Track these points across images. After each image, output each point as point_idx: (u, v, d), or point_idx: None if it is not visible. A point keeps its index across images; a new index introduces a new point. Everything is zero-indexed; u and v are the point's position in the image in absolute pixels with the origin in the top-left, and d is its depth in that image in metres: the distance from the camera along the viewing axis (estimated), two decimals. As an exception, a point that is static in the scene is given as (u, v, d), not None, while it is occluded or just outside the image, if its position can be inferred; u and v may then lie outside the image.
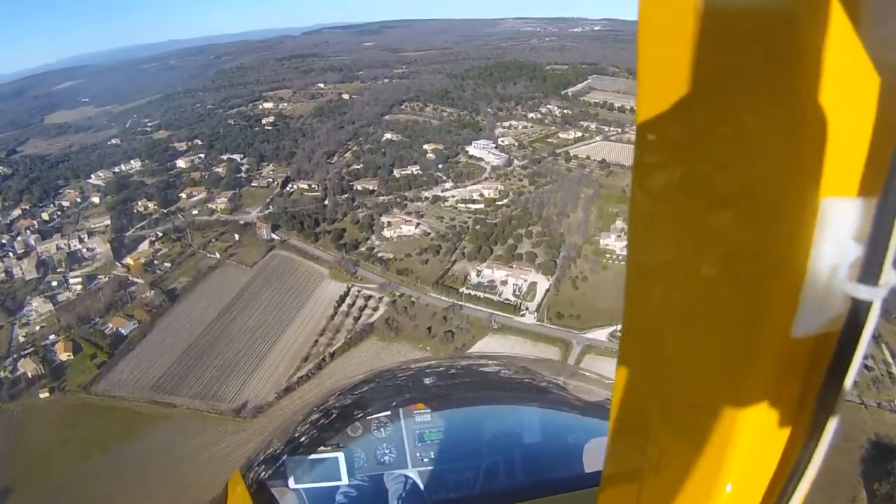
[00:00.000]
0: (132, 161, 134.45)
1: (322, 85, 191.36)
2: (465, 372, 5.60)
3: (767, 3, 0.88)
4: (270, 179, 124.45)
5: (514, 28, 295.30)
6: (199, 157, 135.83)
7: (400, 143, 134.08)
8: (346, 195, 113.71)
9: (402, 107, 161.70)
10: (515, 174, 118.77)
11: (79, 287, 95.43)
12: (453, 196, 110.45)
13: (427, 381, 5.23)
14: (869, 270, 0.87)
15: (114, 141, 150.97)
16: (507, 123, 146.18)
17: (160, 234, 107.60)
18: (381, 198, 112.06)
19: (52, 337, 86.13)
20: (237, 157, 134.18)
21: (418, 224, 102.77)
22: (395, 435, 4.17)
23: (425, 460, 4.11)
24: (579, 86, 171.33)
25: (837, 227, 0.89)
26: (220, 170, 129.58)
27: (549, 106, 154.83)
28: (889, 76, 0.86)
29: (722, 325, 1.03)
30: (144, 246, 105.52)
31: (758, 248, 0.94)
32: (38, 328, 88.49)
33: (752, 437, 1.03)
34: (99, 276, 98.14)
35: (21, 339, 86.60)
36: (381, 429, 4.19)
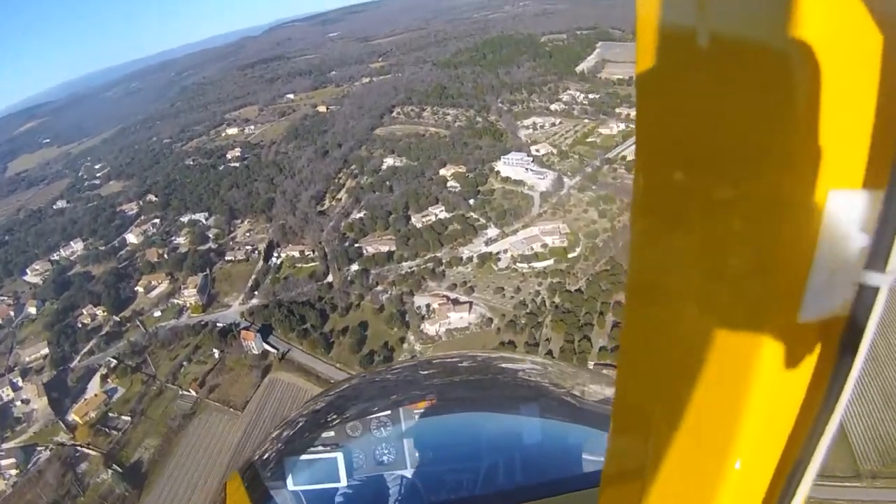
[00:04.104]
0: (73, 243, 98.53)
1: (292, 95, 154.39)
2: (478, 370, 5.06)
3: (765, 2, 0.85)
4: (249, 247, 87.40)
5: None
6: (154, 225, 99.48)
7: (407, 169, 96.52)
8: (356, 264, 76.61)
9: (395, 114, 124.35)
10: (574, 201, 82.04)
11: (13, 471, 60.28)
12: (505, 251, 73.33)
13: (434, 379, 4.80)
14: (877, 257, 0.85)
15: (59, 204, 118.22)
16: (528, 121, 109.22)
17: (113, 363, 71.45)
18: (406, 264, 75.05)
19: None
20: (201, 216, 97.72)
21: (471, 306, 66.23)
22: (394, 435, 3.80)
23: (425, 461, 3.79)
24: (590, 59, 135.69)
25: (845, 217, 0.87)
26: (181, 240, 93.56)
27: (569, 91, 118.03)
28: (892, 68, 0.84)
29: (729, 309, 0.99)
30: (94, 385, 69.65)
31: (765, 237, 0.91)
32: (-37, 561, 54.98)
33: (759, 423, 0.99)
34: (38, 448, 62.98)
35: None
36: (381, 428, 3.79)
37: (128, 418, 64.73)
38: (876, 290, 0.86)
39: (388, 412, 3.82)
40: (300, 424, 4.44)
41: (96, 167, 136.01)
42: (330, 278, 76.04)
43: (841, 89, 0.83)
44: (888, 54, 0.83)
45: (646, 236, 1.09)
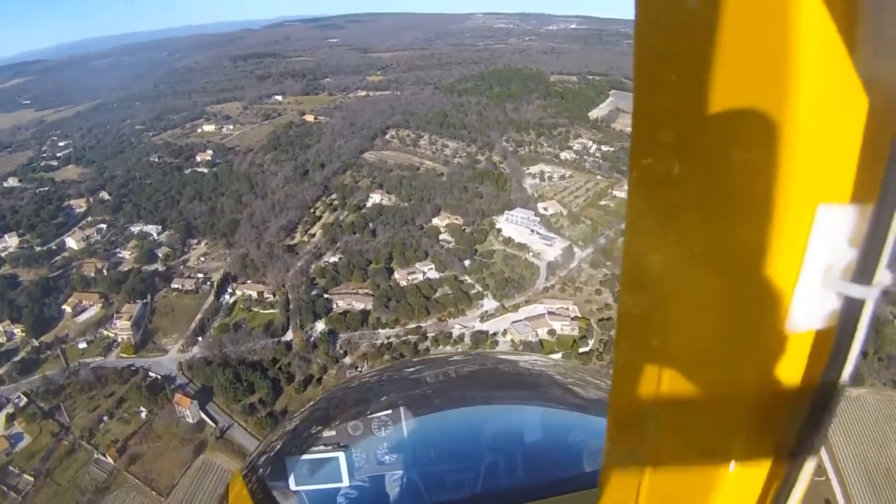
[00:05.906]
0: (7, 236, 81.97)
1: (280, 97, 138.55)
2: (475, 367, 5.03)
3: (760, 11, 0.84)
4: (201, 276, 71.79)
5: (486, 24, 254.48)
6: (100, 230, 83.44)
7: (395, 210, 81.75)
8: (322, 322, 61.69)
9: (388, 137, 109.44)
10: (585, 278, 68.48)
11: None
12: (504, 332, 59.31)
13: (433, 377, 4.61)
14: (863, 271, 0.84)
15: (10, 182, 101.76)
16: (536, 169, 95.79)
17: (23, 401, 56.61)
18: (383, 332, 60.47)
19: None
20: (153, 229, 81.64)
21: (457, 409, 51.60)
22: (396, 434, 3.68)
23: (428, 460, 3.73)
24: (604, 107, 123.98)
25: (832, 231, 0.86)
26: (126, 254, 77.72)
27: (580, 139, 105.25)
28: (881, 85, 0.83)
29: (718, 321, 0.99)
30: (-2, 423, 54.59)
31: (753, 250, 0.90)
32: None
33: (750, 429, 0.99)
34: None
35: None
36: (383, 428, 3.67)
37: (30, 478, 50.10)
38: (862, 303, 0.86)
39: (390, 411, 3.66)
40: (302, 424, 4.27)
41: (60, 144, 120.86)
42: (290, 335, 61.03)
43: (830, 103, 0.82)
44: (877, 71, 0.82)
45: (639, 241, 1.09)
